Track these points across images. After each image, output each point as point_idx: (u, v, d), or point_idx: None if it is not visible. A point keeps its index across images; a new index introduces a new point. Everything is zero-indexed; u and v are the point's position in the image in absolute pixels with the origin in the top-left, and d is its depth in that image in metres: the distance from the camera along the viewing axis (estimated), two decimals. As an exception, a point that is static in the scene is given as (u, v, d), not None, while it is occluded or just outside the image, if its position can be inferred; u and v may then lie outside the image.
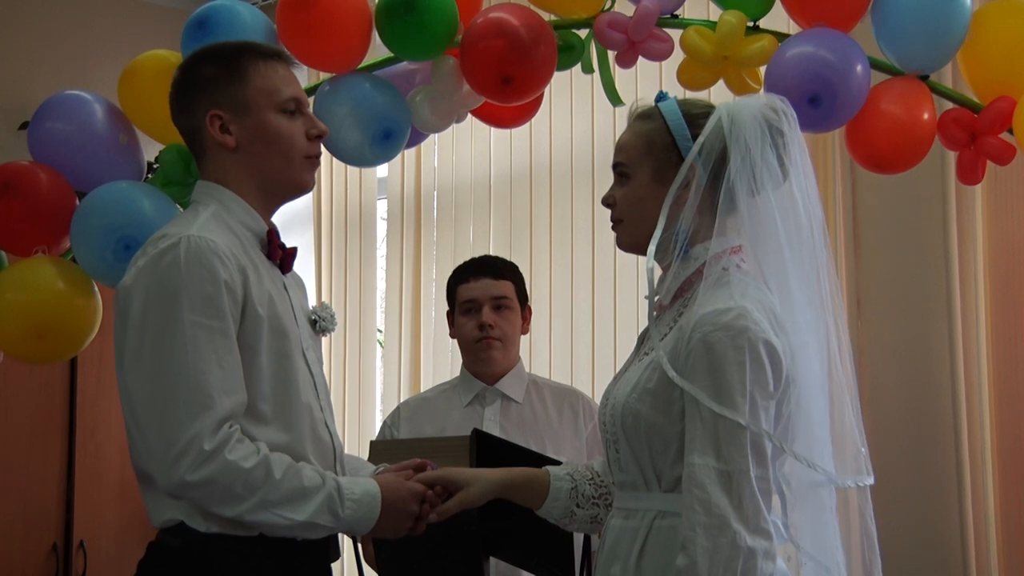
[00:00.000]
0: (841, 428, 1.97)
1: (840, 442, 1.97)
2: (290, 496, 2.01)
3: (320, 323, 2.28)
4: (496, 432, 2.90)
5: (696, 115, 1.99)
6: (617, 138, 2.09)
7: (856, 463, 1.98)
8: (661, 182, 1.98)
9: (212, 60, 2.19)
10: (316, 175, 2.27)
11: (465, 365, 3.08)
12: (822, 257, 1.96)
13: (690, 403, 1.84)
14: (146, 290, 2.03)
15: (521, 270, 3.14)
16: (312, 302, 2.36)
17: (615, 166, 2.05)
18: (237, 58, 2.17)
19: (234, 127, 2.15)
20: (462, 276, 3.06)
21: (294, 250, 2.24)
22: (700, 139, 1.95)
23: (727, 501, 1.78)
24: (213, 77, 2.16)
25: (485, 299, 2.99)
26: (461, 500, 2.15)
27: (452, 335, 3.11)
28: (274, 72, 2.17)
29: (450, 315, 3.10)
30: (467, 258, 3.23)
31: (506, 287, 3.02)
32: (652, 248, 1.96)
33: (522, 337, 3.10)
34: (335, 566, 2.25)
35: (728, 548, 1.76)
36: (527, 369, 3.19)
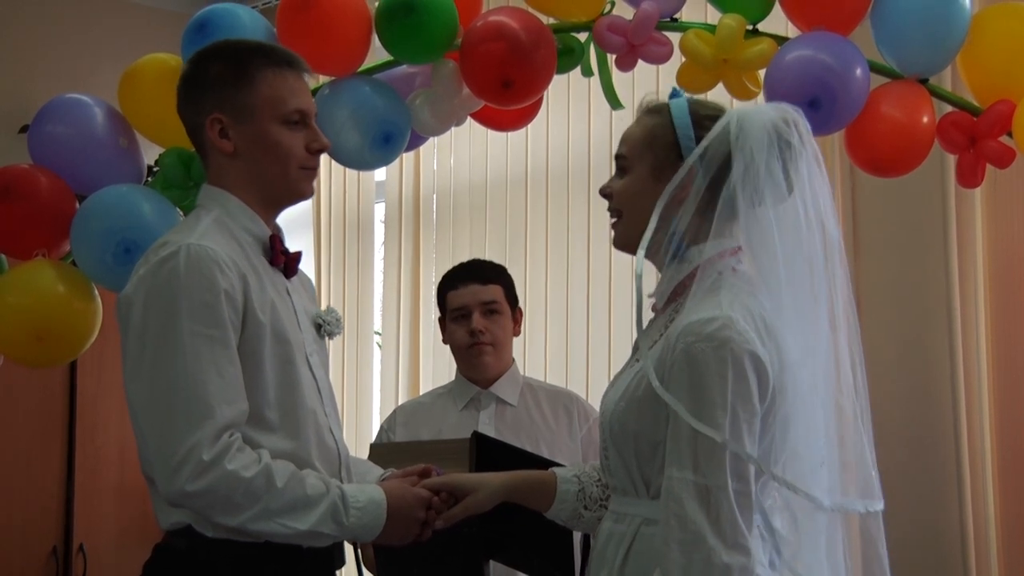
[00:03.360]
0: (849, 450, 1.91)
1: (847, 464, 1.91)
2: (293, 505, 2.00)
3: (325, 327, 2.27)
4: (491, 435, 2.90)
5: (704, 117, 1.95)
6: (615, 142, 2.07)
7: (865, 486, 1.92)
8: (659, 179, 1.94)
9: (222, 59, 2.17)
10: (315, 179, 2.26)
11: (459, 370, 3.09)
12: (837, 275, 1.90)
13: (672, 413, 1.81)
14: (146, 299, 2.02)
15: (517, 273, 3.14)
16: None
17: (617, 157, 2.02)
18: (247, 61, 2.14)
19: (233, 132, 2.13)
20: (451, 282, 3.06)
21: (298, 255, 2.23)
22: (704, 142, 1.90)
23: (703, 516, 1.74)
24: (220, 77, 2.14)
25: (474, 305, 2.99)
26: (467, 506, 2.14)
27: (445, 341, 3.11)
28: (283, 81, 2.14)
29: (442, 321, 3.10)
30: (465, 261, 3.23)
31: (495, 291, 3.01)
32: (642, 250, 1.92)
33: (518, 340, 3.10)
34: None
35: (702, 564, 1.72)
36: (523, 372, 3.19)
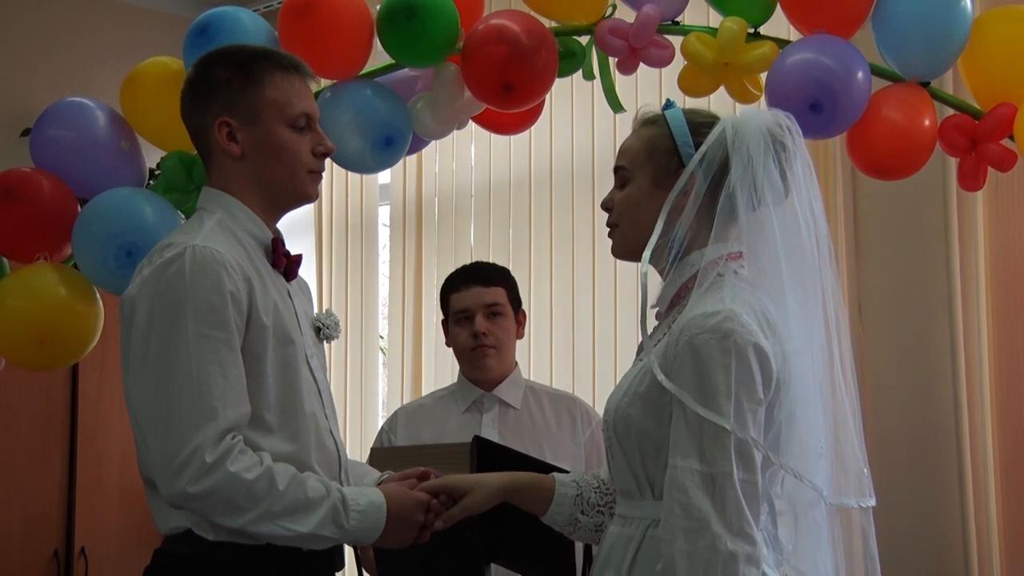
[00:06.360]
0: (843, 447, 1.94)
1: (842, 460, 1.94)
2: (293, 507, 2.00)
3: (324, 330, 2.28)
4: (494, 438, 2.90)
5: (700, 123, 1.99)
6: (618, 144, 2.09)
7: (858, 483, 1.95)
8: (660, 187, 1.97)
9: (229, 63, 2.18)
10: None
11: (462, 372, 3.08)
12: (828, 276, 1.95)
13: (676, 406, 1.83)
14: (151, 300, 2.03)
15: (521, 277, 3.13)
16: (315, 309, 2.36)
17: (616, 169, 2.05)
18: (254, 64, 2.16)
19: (241, 135, 2.14)
20: (453, 285, 3.06)
21: (299, 257, 2.24)
22: (703, 148, 1.94)
23: (709, 504, 1.74)
24: (227, 81, 2.15)
25: (477, 308, 2.99)
26: (465, 506, 2.15)
27: (448, 344, 3.11)
28: (290, 85, 2.16)
29: (445, 324, 3.10)
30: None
31: (498, 294, 3.02)
32: (647, 253, 1.94)
33: (523, 344, 3.10)
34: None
35: (707, 551, 1.73)
36: (528, 376, 3.19)
